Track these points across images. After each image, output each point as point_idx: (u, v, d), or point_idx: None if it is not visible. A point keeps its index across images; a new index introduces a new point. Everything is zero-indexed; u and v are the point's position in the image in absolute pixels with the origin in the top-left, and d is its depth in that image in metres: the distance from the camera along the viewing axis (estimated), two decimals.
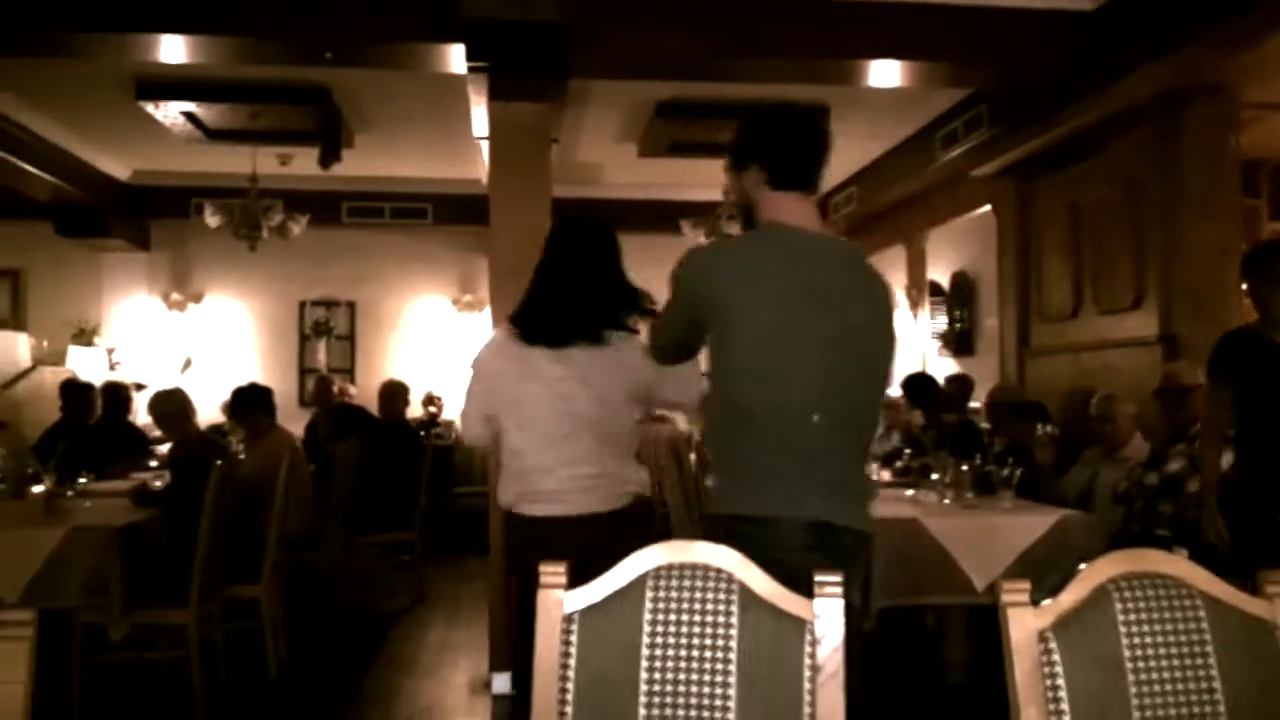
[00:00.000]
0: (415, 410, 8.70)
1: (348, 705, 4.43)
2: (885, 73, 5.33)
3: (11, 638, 1.30)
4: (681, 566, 1.51)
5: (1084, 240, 6.34)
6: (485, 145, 5.41)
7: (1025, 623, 1.46)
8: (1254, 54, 4.70)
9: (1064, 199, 6.53)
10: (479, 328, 9.38)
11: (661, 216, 8.82)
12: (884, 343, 2.20)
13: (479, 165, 7.75)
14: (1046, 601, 1.48)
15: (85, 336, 9.19)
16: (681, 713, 1.45)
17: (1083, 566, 1.51)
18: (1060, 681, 1.43)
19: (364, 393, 8.85)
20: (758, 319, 2.05)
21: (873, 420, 2.26)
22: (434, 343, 9.88)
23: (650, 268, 9.76)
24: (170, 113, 6.79)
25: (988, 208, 7.43)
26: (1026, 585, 1.47)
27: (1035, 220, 6.96)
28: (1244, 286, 3.67)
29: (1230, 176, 5.64)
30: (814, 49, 5.08)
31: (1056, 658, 1.44)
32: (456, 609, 6.16)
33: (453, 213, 9.22)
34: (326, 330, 9.76)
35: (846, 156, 8.28)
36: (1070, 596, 1.48)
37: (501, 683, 4.60)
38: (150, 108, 6.65)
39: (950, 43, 5.08)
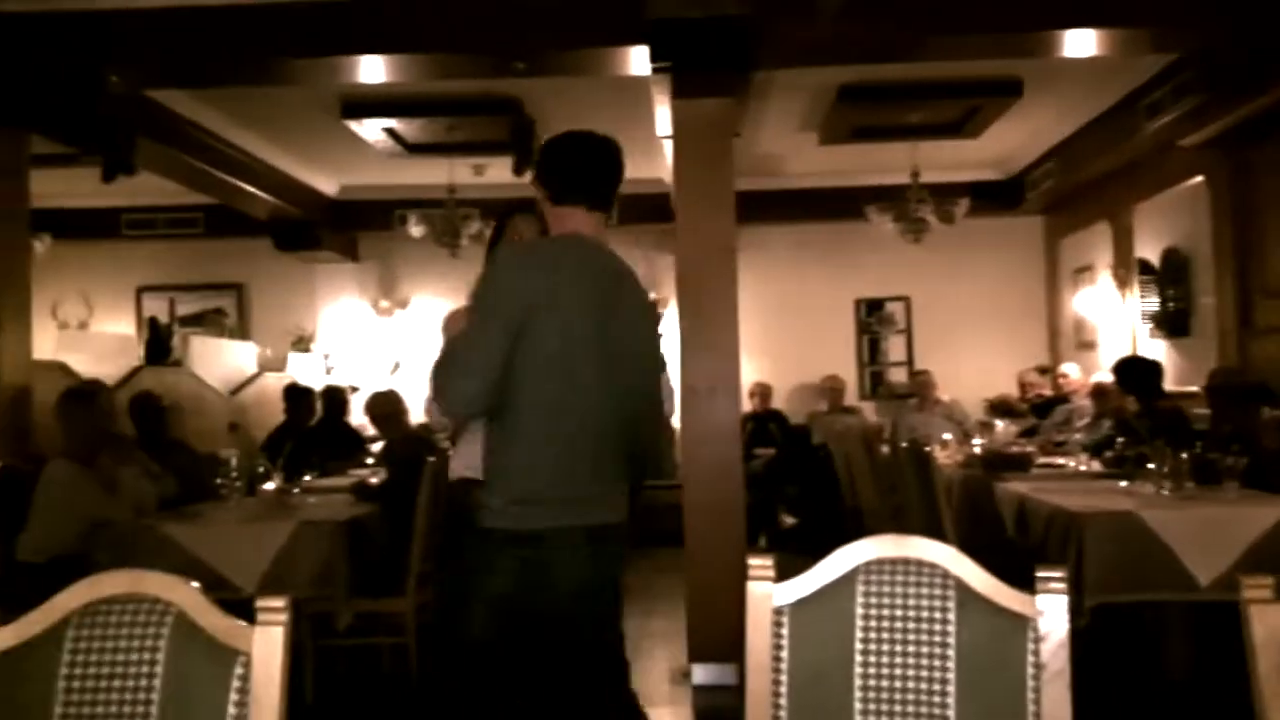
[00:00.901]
0: None
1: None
2: (1082, 42, 5.06)
3: (270, 623, 1.43)
4: (894, 561, 1.49)
5: None
6: (668, 144, 5.48)
7: (1269, 619, 1.37)
8: None
9: None
10: (664, 325, 9.48)
11: (845, 203, 8.67)
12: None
13: (660, 164, 7.85)
14: None
15: (303, 343, 9.85)
16: (899, 708, 1.44)
17: None
18: None
19: None
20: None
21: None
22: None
23: (838, 255, 9.64)
24: (373, 130, 7.18)
25: (1199, 179, 6.94)
26: (1270, 580, 1.38)
27: (1253, 190, 6.44)
28: None
29: None
30: (1005, 22, 4.88)
31: None
32: (652, 600, 6.26)
33: (635, 212, 9.30)
34: None
35: (1043, 131, 7.92)
36: None
37: (701, 673, 4.65)
38: (355, 126, 7.06)
39: (1152, 6, 4.78)
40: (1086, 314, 8.92)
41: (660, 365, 2.70)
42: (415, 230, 7.87)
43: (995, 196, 9.17)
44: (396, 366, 9.88)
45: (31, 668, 1.43)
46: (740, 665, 1.54)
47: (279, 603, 1.44)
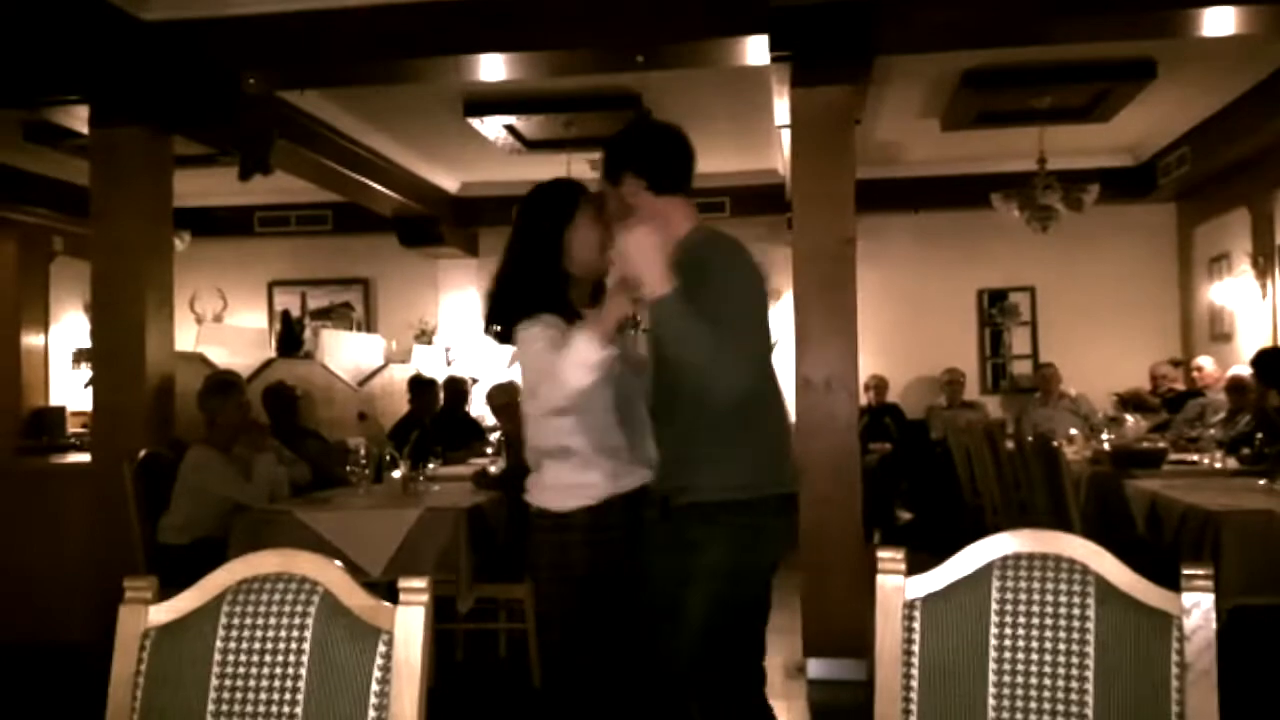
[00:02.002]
0: None
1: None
2: (1220, 20, 4.82)
3: (411, 603, 1.48)
4: (1030, 556, 1.46)
5: None
6: (786, 134, 5.44)
7: None
8: None
9: None
10: (778, 316, 9.43)
11: (968, 191, 8.47)
12: None
13: (775, 155, 7.81)
14: None
15: (426, 336, 10.13)
16: (1034, 705, 1.41)
17: None
18: None
19: None
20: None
21: None
22: None
23: (960, 245, 9.43)
24: (493, 127, 7.33)
25: None
26: None
27: None
28: None
29: None
30: (1139, 1, 4.69)
31: None
32: None
33: (750, 204, 9.31)
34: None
35: (1176, 115, 7.58)
36: None
37: (816, 668, 4.62)
38: (476, 123, 7.21)
39: None
40: (1223, 304, 8.51)
41: None
42: None
43: (1126, 183, 8.81)
44: (514, 359, 10.07)
45: (190, 641, 1.51)
46: (862, 659, 1.54)
47: (420, 583, 1.49)
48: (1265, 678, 4.08)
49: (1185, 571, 1.38)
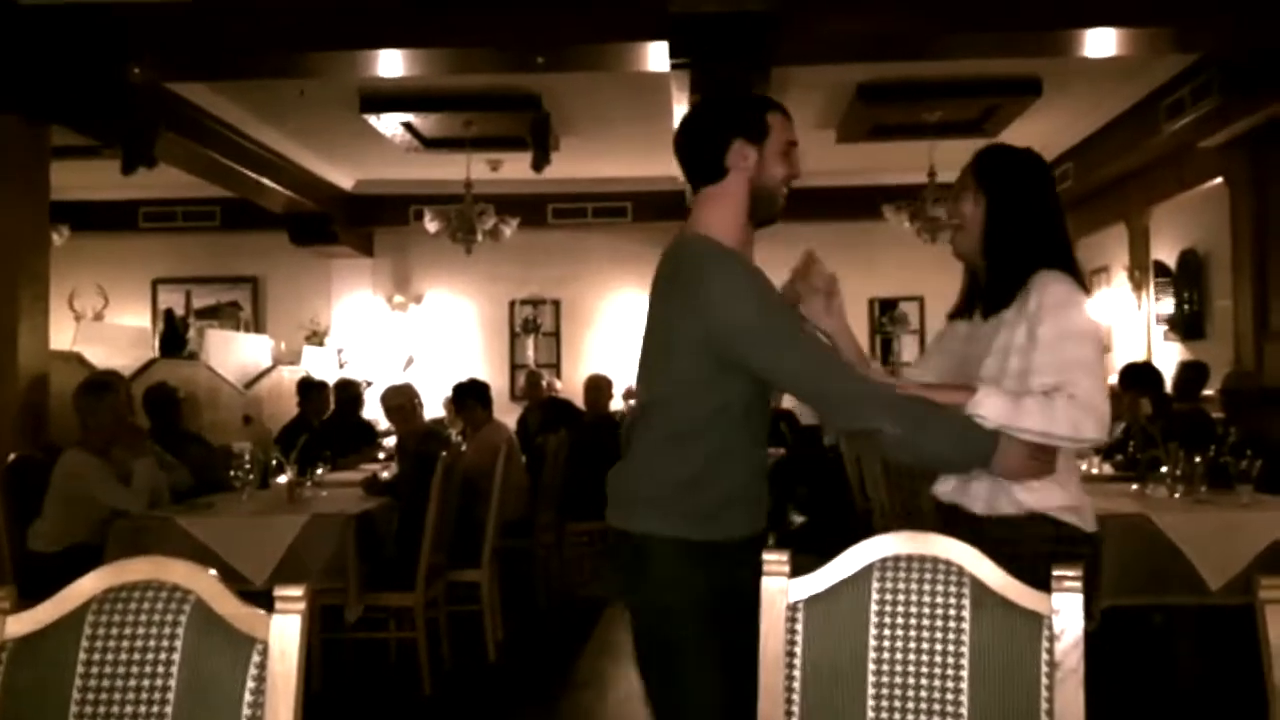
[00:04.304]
0: (617, 403, 8.90)
1: (561, 690, 4.58)
2: (1102, 41, 5.05)
3: (287, 611, 1.43)
4: (909, 558, 1.49)
5: None
6: None
7: None
8: None
9: None
10: None
11: (861, 202, 8.67)
12: None
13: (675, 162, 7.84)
14: None
15: (317, 337, 9.90)
16: (911, 705, 1.44)
17: None
18: None
19: (568, 387, 9.14)
20: None
21: None
22: (634, 338, 10.07)
23: (853, 255, 9.63)
24: (391, 124, 7.21)
25: (1218, 181, 6.90)
26: None
27: (1274, 193, 6.41)
28: None
29: None
30: (1026, 20, 4.87)
31: None
32: None
33: (651, 210, 9.38)
34: (535, 327, 10.14)
35: (1060, 132, 7.89)
36: None
37: None
38: (373, 120, 7.09)
39: (1174, 6, 4.76)
40: (1102, 315, 8.88)
41: None
42: (431, 226, 7.89)
43: None
44: (410, 361, 9.92)
45: (49, 652, 1.44)
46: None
47: (297, 592, 1.45)
48: (1137, 675, 4.26)
49: (1055, 573, 1.42)
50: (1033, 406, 1.94)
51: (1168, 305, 8.01)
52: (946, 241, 7.80)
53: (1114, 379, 6.79)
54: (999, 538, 1.97)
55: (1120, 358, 8.13)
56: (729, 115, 2.16)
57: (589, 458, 6.62)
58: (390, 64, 5.35)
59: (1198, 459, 4.08)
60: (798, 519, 8.60)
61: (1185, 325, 7.73)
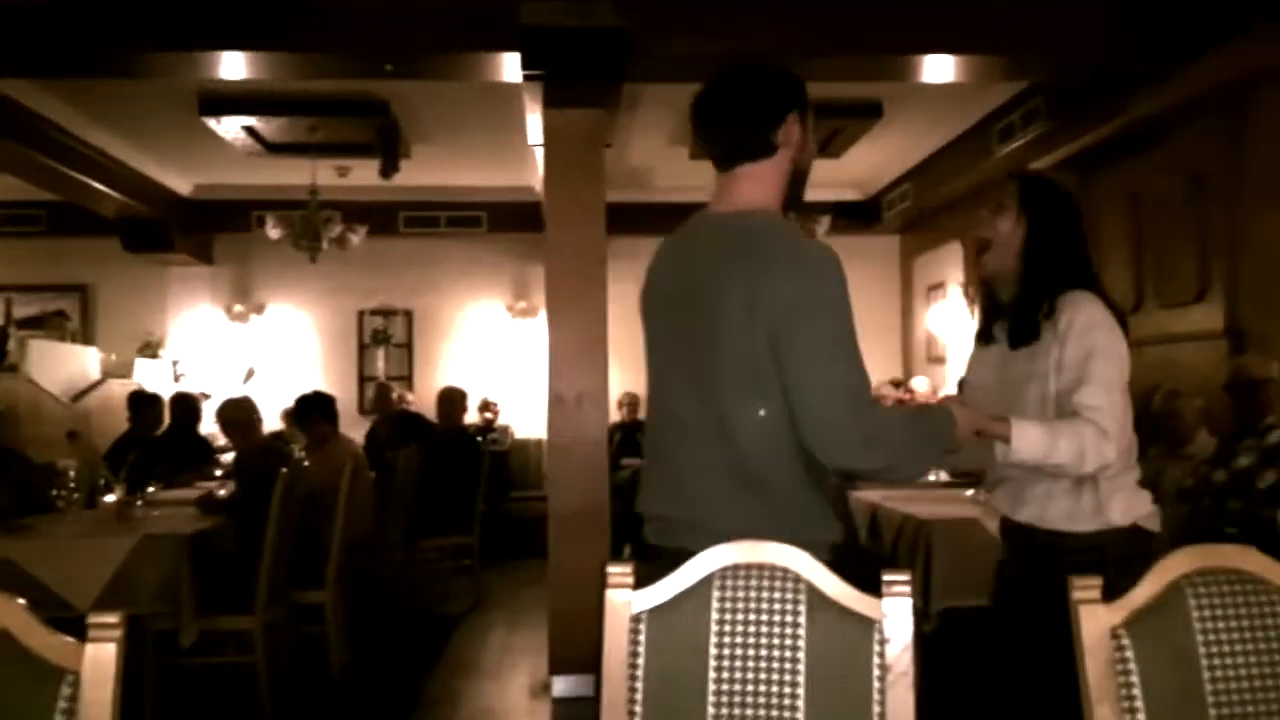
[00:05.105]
0: (472, 416, 8.79)
1: (410, 709, 4.48)
2: (940, 68, 5.28)
3: (101, 639, 1.35)
4: (748, 566, 1.51)
5: (1145, 233, 6.22)
6: (539, 152, 5.46)
7: (1098, 620, 1.44)
8: None
9: (1124, 191, 6.41)
10: (533, 334, 9.45)
11: None
12: None
13: (532, 172, 7.83)
14: None
15: (151, 349, 9.42)
16: (750, 712, 1.46)
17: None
18: (1134, 679, 1.41)
19: (422, 400, 8.96)
20: None
21: None
22: (489, 349, 9.97)
23: None
24: (231, 127, 6.94)
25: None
26: (1098, 581, 1.46)
27: (1095, 213, 6.83)
28: None
29: None
30: (867, 46, 5.05)
31: (1130, 655, 1.43)
32: (516, 612, 6.21)
33: (507, 220, 9.31)
34: (385, 339, 9.91)
35: (900, 154, 8.21)
36: (1143, 592, 1.47)
37: (562, 685, 4.63)
38: (212, 123, 6.80)
39: (1006, 36, 5.02)
40: (937, 330, 9.29)
41: None
42: (273, 232, 7.62)
43: (855, 215, 9.47)
44: (250, 374, 9.55)
45: None
46: (598, 674, 1.54)
47: (112, 619, 1.37)
48: (971, 675, 4.44)
49: (885, 578, 1.47)
50: (1065, 448, 2.02)
51: None
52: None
53: (952, 388, 7.12)
54: (1082, 551, 2.10)
55: (954, 368, 8.52)
56: (786, 86, 1.96)
57: (442, 472, 6.53)
58: (232, 66, 5.14)
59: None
60: None
61: None
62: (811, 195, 7.25)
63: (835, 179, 8.89)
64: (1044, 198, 2.29)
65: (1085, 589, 1.44)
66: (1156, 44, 4.91)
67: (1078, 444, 2.02)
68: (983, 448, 2.11)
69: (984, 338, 2.41)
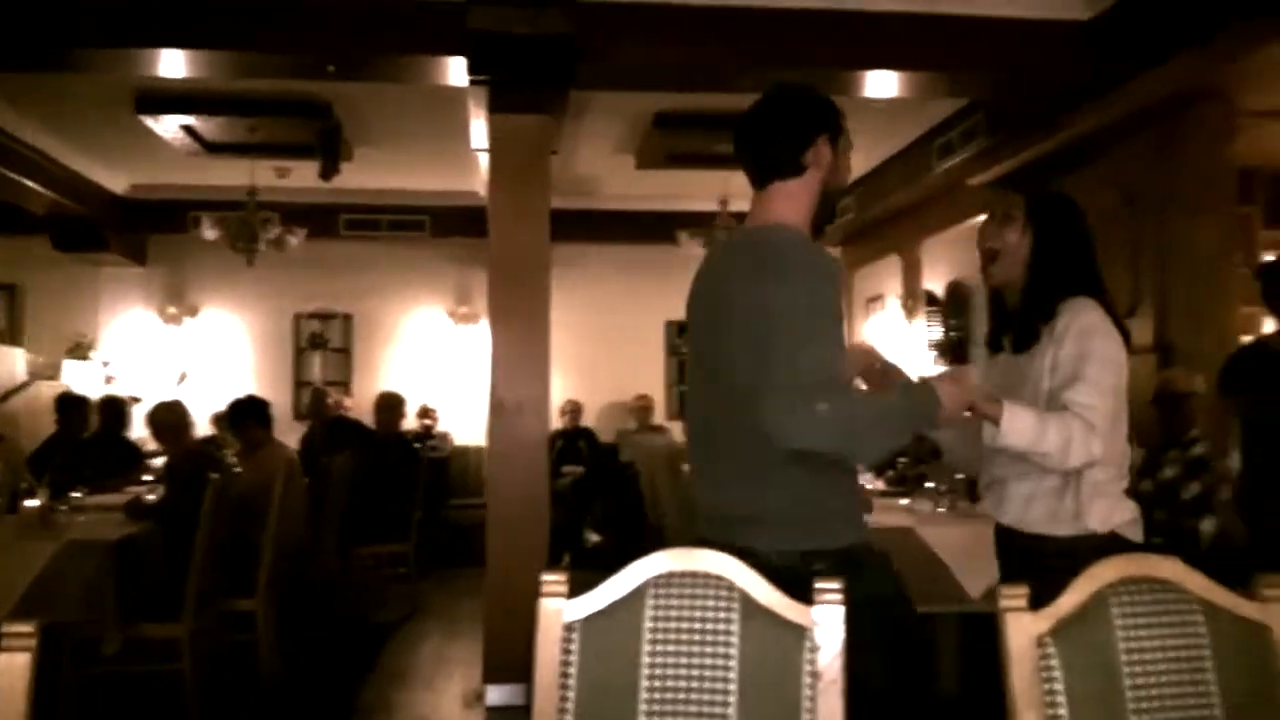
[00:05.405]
0: (411, 422, 8.70)
1: (343, 719, 4.41)
2: (883, 83, 5.35)
3: (13, 649, 1.31)
4: (683, 575, 1.51)
5: None
6: (484, 157, 5.43)
7: (1024, 628, 1.46)
8: (1251, 61, 4.72)
9: None
10: (475, 340, 9.39)
11: (659, 227, 8.84)
12: None
13: (477, 177, 7.79)
14: None
15: (81, 350, 9.18)
16: (682, 719, 1.45)
17: None
18: (1058, 686, 1.43)
19: (360, 405, 8.85)
20: None
21: None
22: (430, 355, 9.88)
23: (651, 277, 9.81)
24: (169, 126, 6.80)
25: (984, 216, 7.44)
26: (1025, 590, 1.48)
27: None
28: (1263, 298, 3.70)
29: (1227, 184, 5.64)
30: (811, 60, 5.10)
31: (1055, 663, 1.44)
32: (452, 621, 6.14)
33: (450, 225, 9.24)
34: (322, 343, 9.77)
35: None
36: (1069, 601, 1.49)
37: (496, 694, 4.59)
38: (149, 121, 6.66)
39: (948, 53, 5.10)
40: (876, 340, 9.40)
41: None
42: (209, 233, 7.47)
43: None
44: (183, 377, 9.36)
45: None
46: (530, 684, 1.52)
47: (26, 628, 1.33)
48: (901, 678, 4.48)
49: (816, 586, 1.47)
50: (1055, 440, 2.05)
51: (937, 331, 8.58)
52: None
53: None
54: (1058, 555, 2.11)
55: None
56: (816, 110, 2.11)
57: (378, 479, 6.44)
58: (172, 64, 5.04)
59: (960, 475, 4.36)
60: (594, 538, 8.64)
61: (951, 350, 8.30)
62: None
63: None
64: (1050, 209, 2.36)
65: (1012, 597, 1.46)
66: (1091, 64, 5.02)
67: (1065, 435, 2.06)
68: (970, 444, 2.17)
69: (993, 346, 2.45)
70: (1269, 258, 5.47)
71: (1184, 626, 1.48)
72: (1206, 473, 4.16)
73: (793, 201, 2.06)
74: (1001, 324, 2.41)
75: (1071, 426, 2.07)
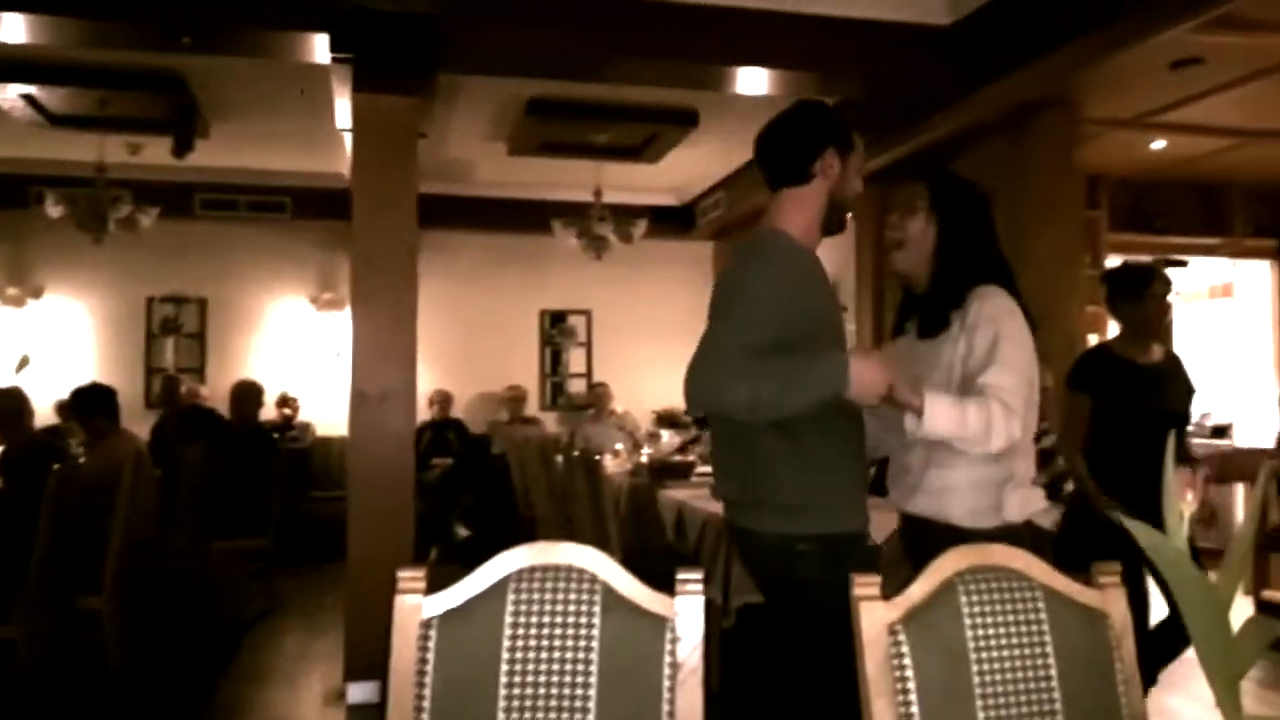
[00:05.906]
0: (270, 412, 8.41)
1: (198, 719, 4.25)
2: (753, 80, 5.42)
3: None
4: (545, 568, 1.49)
5: None
6: (349, 138, 5.28)
7: (876, 616, 1.50)
8: (1096, 72, 4.97)
9: None
10: (338, 326, 9.14)
11: (532, 216, 8.77)
12: None
13: (341, 158, 7.58)
14: None
15: None
16: (540, 715, 1.44)
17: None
18: (909, 673, 1.47)
19: (216, 393, 8.49)
20: None
21: None
22: (291, 342, 9.56)
23: (524, 267, 9.72)
24: (8, 95, 6.38)
25: (849, 214, 7.63)
26: (877, 579, 1.51)
27: None
28: (1106, 303, 3.89)
29: (1074, 188, 5.94)
30: (683, 53, 5.13)
31: (905, 650, 1.48)
32: (313, 617, 5.98)
33: (313, 207, 8.96)
34: (175, 328, 9.33)
35: (714, 163, 8.39)
36: (919, 590, 1.53)
37: (357, 692, 4.49)
38: None
39: (816, 52, 5.20)
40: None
41: None
42: (53, 211, 7.06)
43: (670, 220, 9.63)
44: (24, 362, 8.80)
45: None
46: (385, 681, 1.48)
47: None
48: (767, 667, 4.57)
49: (678, 576, 1.48)
50: (976, 424, 2.07)
51: None
52: (611, 259, 8.01)
53: None
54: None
55: None
56: (824, 123, 2.28)
57: (235, 470, 6.20)
58: (12, 29, 4.72)
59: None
60: (463, 532, 8.54)
61: None
62: (629, 199, 7.40)
63: (653, 184, 9.01)
64: (953, 199, 2.38)
65: (865, 585, 1.50)
66: (950, 69, 5.20)
67: (985, 418, 2.08)
68: (890, 432, 2.20)
69: (897, 332, 2.48)
70: (1115, 260, 5.78)
71: (1027, 614, 1.54)
72: (1052, 464, 4.36)
73: (800, 207, 2.27)
74: (907, 311, 2.45)
75: (991, 409, 2.09)
